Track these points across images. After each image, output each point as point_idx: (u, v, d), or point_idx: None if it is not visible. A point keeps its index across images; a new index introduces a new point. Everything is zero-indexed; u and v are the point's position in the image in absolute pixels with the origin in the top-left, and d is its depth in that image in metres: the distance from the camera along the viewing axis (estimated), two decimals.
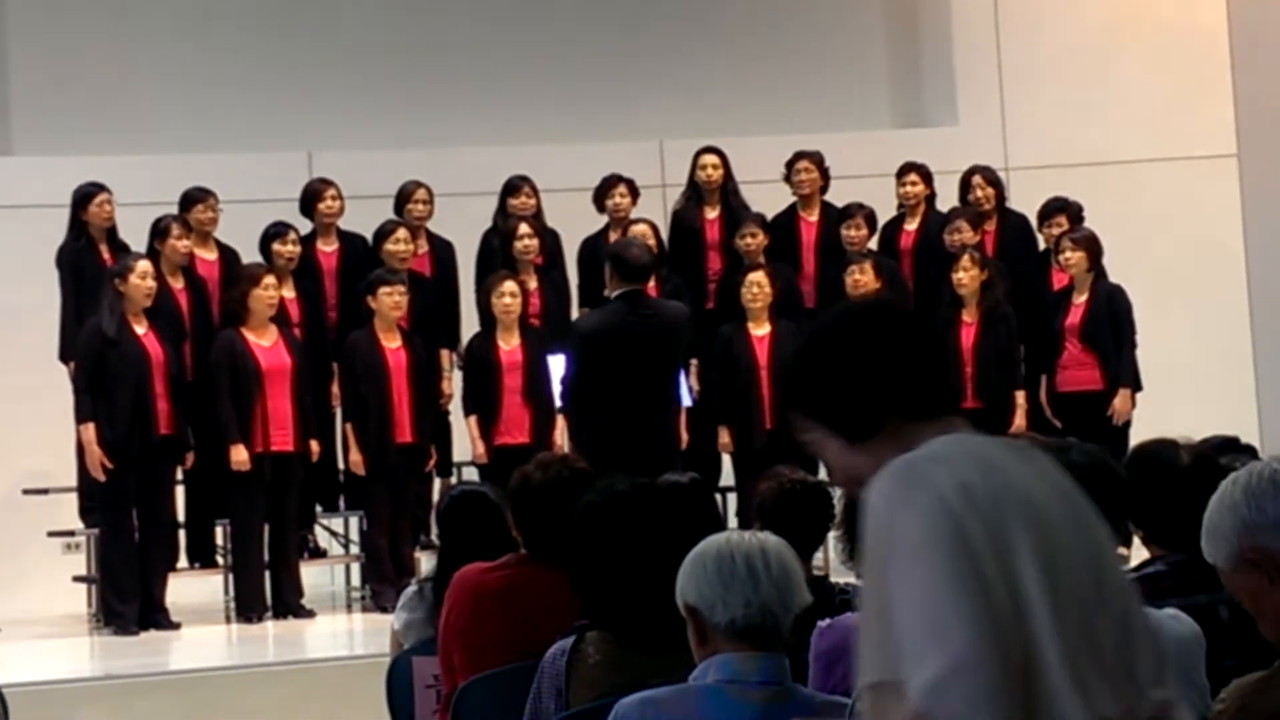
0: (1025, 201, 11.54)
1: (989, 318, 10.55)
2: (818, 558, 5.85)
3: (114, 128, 12.60)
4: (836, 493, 4.66)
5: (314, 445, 10.03)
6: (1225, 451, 4.49)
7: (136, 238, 10.32)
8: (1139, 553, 4.25)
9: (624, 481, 4.10)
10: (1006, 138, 13.15)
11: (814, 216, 11.42)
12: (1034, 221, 11.29)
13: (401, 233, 10.52)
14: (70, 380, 9.90)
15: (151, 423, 9.55)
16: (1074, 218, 11.04)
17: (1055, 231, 10.97)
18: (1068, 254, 10.60)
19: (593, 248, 11.06)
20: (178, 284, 10.14)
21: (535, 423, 10.22)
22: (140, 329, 9.62)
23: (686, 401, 10.20)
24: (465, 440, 10.46)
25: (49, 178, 11.46)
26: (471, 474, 10.44)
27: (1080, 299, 10.61)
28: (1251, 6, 13.21)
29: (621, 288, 8.66)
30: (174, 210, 10.36)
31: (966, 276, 10.54)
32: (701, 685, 3.26)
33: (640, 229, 10.76)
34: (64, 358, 10.14)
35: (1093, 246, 10.64)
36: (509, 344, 10.30)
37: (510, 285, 10.28)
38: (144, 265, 9.66)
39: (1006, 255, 11.04)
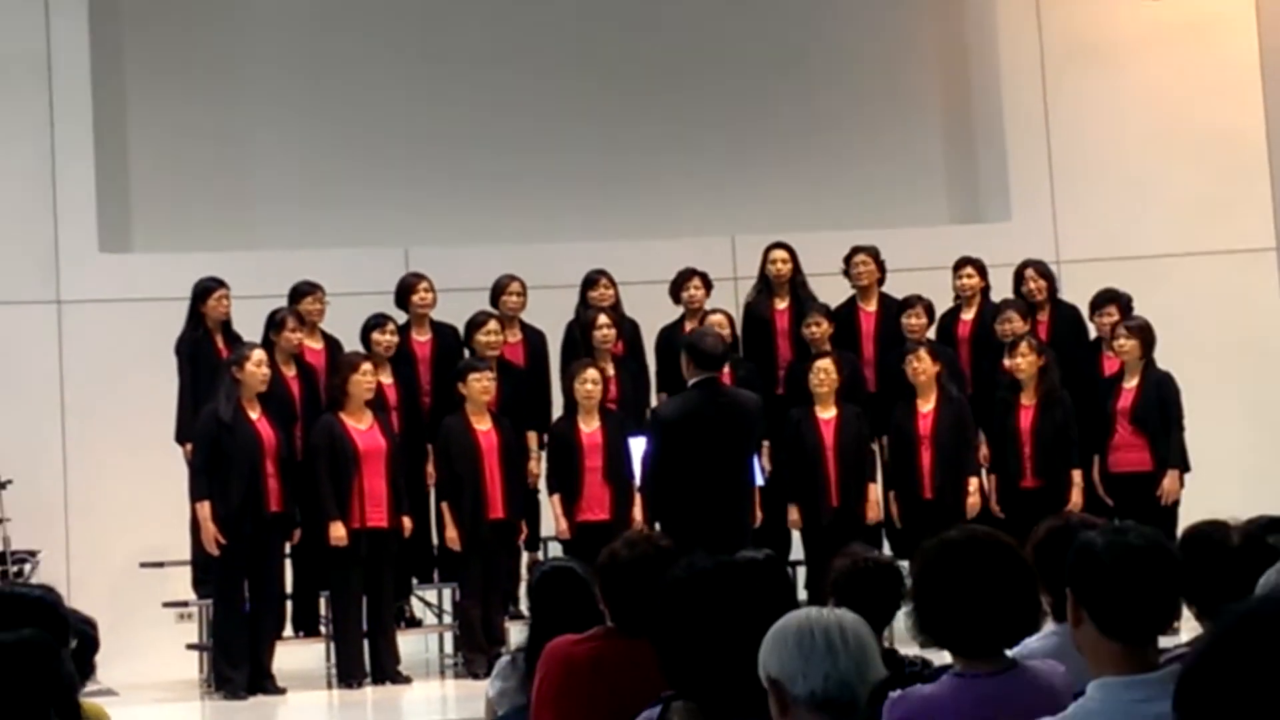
0: (1076, 293, 11.51)
1: (1046, 401, 10.53)
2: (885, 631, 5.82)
3: (225, 226, 12.76)
4: (905, 569, 4.65)
5: (406, 521, 10.07)
6: (1272, 531, 4.46)
7: (245, 328, 10.44)
8: (1189, 626, 4.23)
9: (706, 558, 4.09)
10: (1058, 232, 13.13)
11: (872, 307, 11.43)
12: (1085, 311, 11.26)
13: (492, 324, 10.59)
14: (186, 461, 10.00)
15: (263, 500, 9.64)
16: (1124, 308, 11.01)
17: (1106, 321, 10.95)
18: (1122, 341, 10.58)
19: (669, 337, 11.10)
20: (290, 371, 10.25)
21: (615, 500, 10.24)
22: (254, 413, 9.71)
23: (759, 481, 10.21)
24: (551, 516, 10.48)
25: (165, 273, 11.63)
26: (556, 549, 10.45)
27: (1131, 384, 10.58)
28: None
29: (698, 375, 8.70)
30: (280, 302, 10.48)
31: (1025, 362, 10.53)
32: None
33: (716, 319, 10.82)
34: (180, 439, 10.24)
35: (1146, 335, 10.63)
36: (590, 427, 10.33)
37: (592, 372, 10.33)
38: (259, 354, 9.78)
39: (1059, 343, 11.01)
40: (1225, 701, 1.90)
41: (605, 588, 4.83)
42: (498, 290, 10.98)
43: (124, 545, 11.43)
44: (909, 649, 5.15)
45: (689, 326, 10.91)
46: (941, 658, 4.06)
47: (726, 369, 10.46)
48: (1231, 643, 1.94)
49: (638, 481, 9.89)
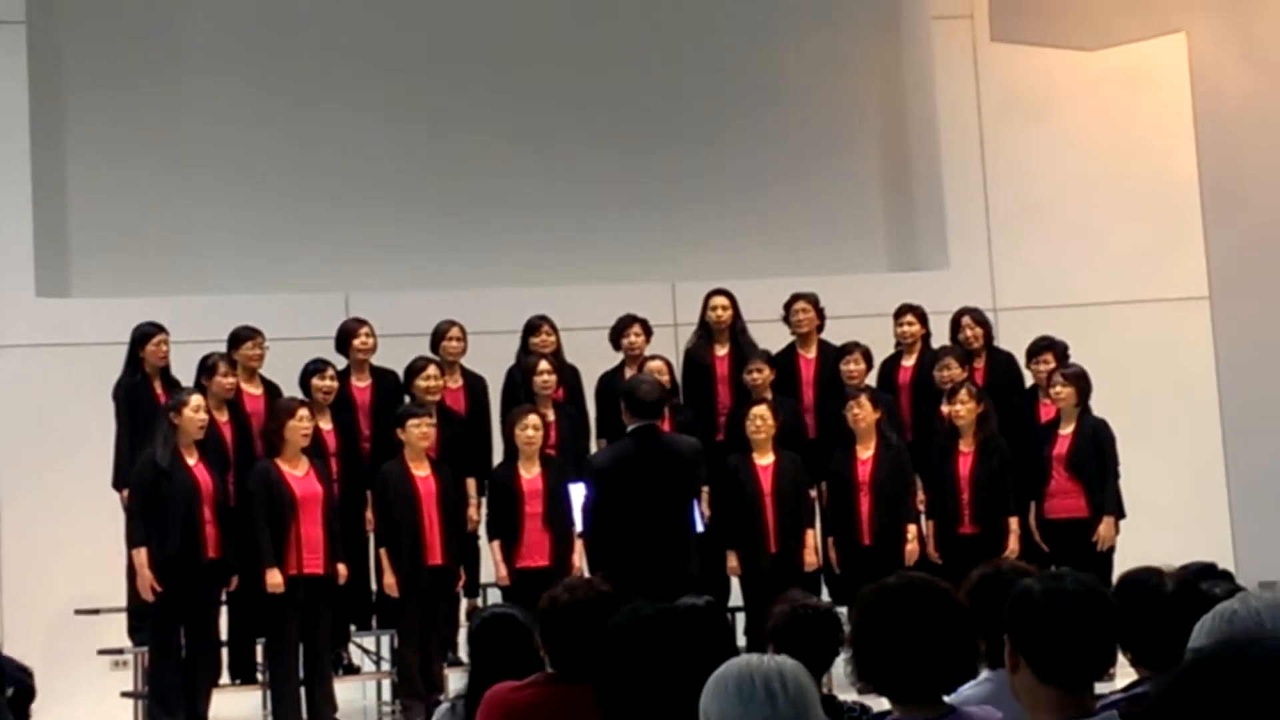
0: (1012, 340, 11.60)
1: (985, 448, 10.60)
2: (824, 678, 5.85)
3: (164, 270, 12.72)
4: (844, 615, 4.68)
5: (342, 568, 10.02)
6: (1205, 577, 4.51)
7: (184, 373, 10.39)
8: (1124, 672, 4.26)
9: (648, 606, 4.11)
10: (994, 280, 13.24)
11: (811, 354, 11.48)
12: (1021, 359, 11.35)
13: (431, 369, 10.59)
14: (123, 507, 9.93)
15: (200, 547, 9.59)
16: (1060, 355, 11.09)
17: (1043, 368, 11.03)
18: (1059, 389, 10.66)
19: (609, 383, 11.12)
20: (222, 417, 10.21)
21: (555, 547, 10.21)
22: (191, 460, 9.67)
23: (698, 528, 10.21)
24: (490, 562, 10.46)
25: (103, 317, 11.58)
26: (495, 595, 10.42)
27: (1066, 430, 10.66)
28: (1220, 161, 13.35)
29: (635, 423, 8.74)
30: (220, 347, 10.45)
31: (964, 409, 10.60)
32: None
33: (655, 365, 10.84)
34: (117, 485, 10.18)
35: (1082, 383, 10.72)
36: (530, 473, 10.32)
37: (533, 418, 10.33)
38: (197, 400, 9.74)
39: (995, 390, 11.07)
40: None
41: (545, 633, 4.83)
42: (438, 336, 10.98)
43: (58, 592, 11.34)
44: (848, 695, 5.17)
45: (629, 373, 10.94)
46: (880, 704, 4.08)
47: (665, 415, 10.53)
48: (1191, 687, 1.99)
49: (577, 528, 9.95)
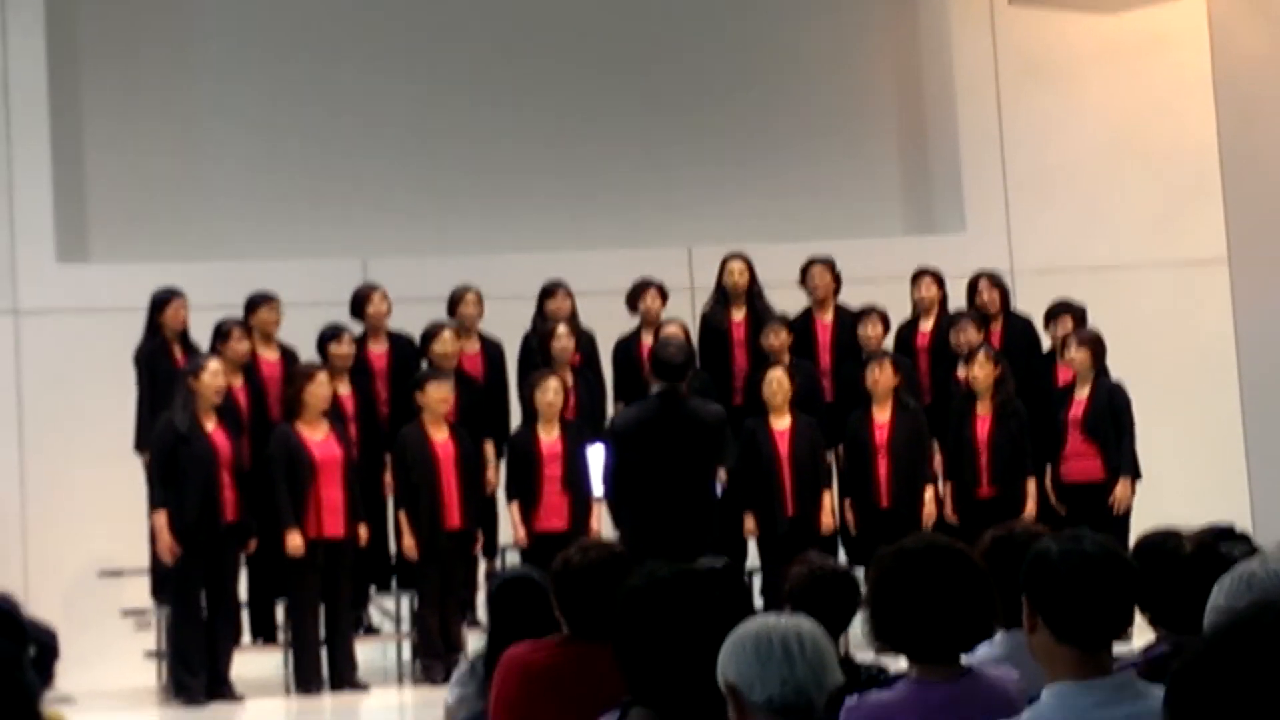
0: (1029, 303, 11.57)
1: (1002, 411, 10.59)
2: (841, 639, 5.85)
3: (182, 237, 12.72)
4: (860, 576, 4.68)
5: (362, 531, 10.07)
6: (1224, 539, 4.50)
7: (202, 338, 10.43)
8: (1143, 634, 4.26)
9: (664, 567, 4.11)
10: (1012, 244, 13.20)
11: (828, 318, 11.46)
12: (1039, 322, 11.32)
13: (447, 334, 10.59)
14: (144, 471, 9.96)
15: (218, 510, 9.63)
16: (1078, 318, 11.07)
17: (1060, 331, 11.01)
18: (1073, 352, 10.65)
19: (626, 347, 11.13)
20: (237, 382, 10.23)
21: (573, 510, 10.24)
22: (209, 424, 9.70)
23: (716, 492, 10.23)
24: (509, 525, 10.48)
25: (122, 283, 11.58)
26: (513, 557, 10.45)
27: (1082, 394, 10.64)
28: (1239, 123, 13.28)
29: (658, 385, 8.78)
30: (238, 312, 10.46)
31: (981, 373, 10.58)
32: None
33: (672, 329, 10.84)
34: (139, 448, 10.21)
35: (1097, 346, 10.70)
36: (549, 436, 10.33)
37: (554, 382, 10.33)
38: (215, 364, 9.77)
39: (1012, 354, 11.06)
40: (1217, 705, 1.94)
41: (560, 595, 4.82)
42: (454, 301, 10.98)
43: (82, 554, 11.38)
44: (866, 656, 5.17)
45: (645, 337, 10.94)
46: (898, 665, 4.09)
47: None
48: (1226, 648, 1.97)
49: (595, 492, 9.98)
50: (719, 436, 8.96)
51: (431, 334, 10.61)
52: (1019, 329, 11.40)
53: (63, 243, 12.34)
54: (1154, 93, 13.45)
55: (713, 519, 9.05)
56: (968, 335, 10.90)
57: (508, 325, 11.16)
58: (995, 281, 11.48)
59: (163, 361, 10.26)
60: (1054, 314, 11.18)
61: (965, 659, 3.94)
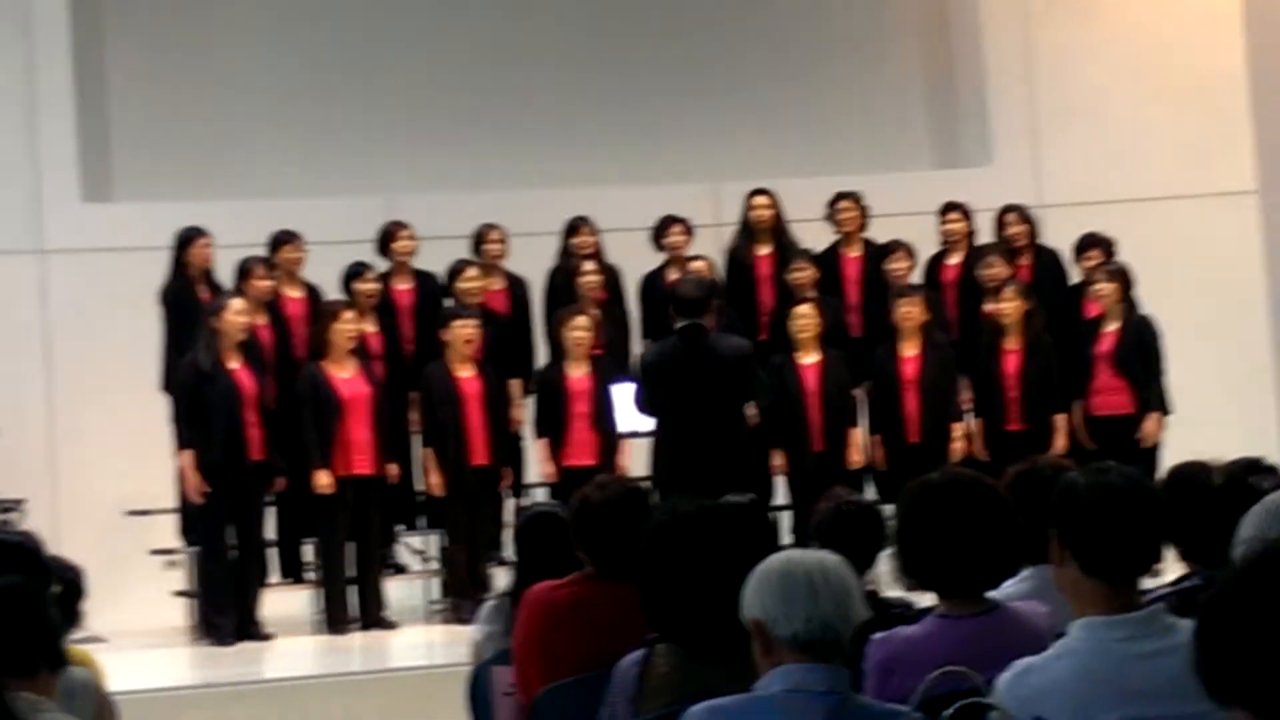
0: (1057, 237, 11.49)
1: (1031, 346, 10.54)
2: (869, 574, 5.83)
3: (206, 175, 12.71)
4: (888, 512, 4.65)
5: (391, 468, 10.07)
6: (1253, 472, 4.47)
7: (227, 277, 10.41)
8: (1172, 568, 4.23)
9: (688, 503, 4.09)
10: (1040, 177, 13.10)
11: (855, 252, 11.41)
12: (1067, 256, 11.25)
13: (472, 271, 10.56)
14: (170, 410, 9.97)
15: (244, 449, 9.63)
16: (1107, 252, 11.00)
17: (1089, 265, 10.95)
18: (1100, 285, 10.58)
19: (651, 283, 11.09)
20: (260, 320, 10.21)
21: (602, 446, 10.23)
22: (233, 363, 9.69)
23: None
24: (537, 463, 10.48)
25: (147, 222, 11.57)
26: (542, 494, 10.45)
27: (1111, 328, 10.58)
28: (1269, 51, 13.12)
29: (680, 321, 8.78)
30: (261, 251, 10.44)
31: (1010, 307, 10.52)
32: (766, 694, 3.25)
33: (698, 265, 10.81)
34: (166, 388, 10.21)
35: (1124, 278, 10.63)
36: (577, 373, 10.31)
37: (582, 319, 10.31)
38: (238, 303, 9.75)
39: (1040, 288, 10.99)
40: (1246, 636, 1.91)
41: (579, 532, 4.80)
42: (478, 239, 10.94)
43: (110, 494, 11.41)
44: (893, 592, 5.16)
45: (671, 273, 10.91)
46: (925, 601, 4.07)
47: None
48: (1254, 579, 1.95)
49: (620, 429, 10.00)
50: (744, 370, 8.95)
51: (456, 271, 10.59)
52: (1047, 263, 11.33)
53: (87, 182, 12.33)
54: (1183, 23, 13.32)
55: (744, 454, 9.06)
56: (995, 269, 10.84)
57: (533, 261, 11.13)
58: (1023, 215, 11.41)
59: (188, 300, 10.25)
60: (1082, 247, 11.11)
61: (993, 594, 3.92)
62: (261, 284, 10.16)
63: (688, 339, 8.87)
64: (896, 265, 11.02)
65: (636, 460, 10.15)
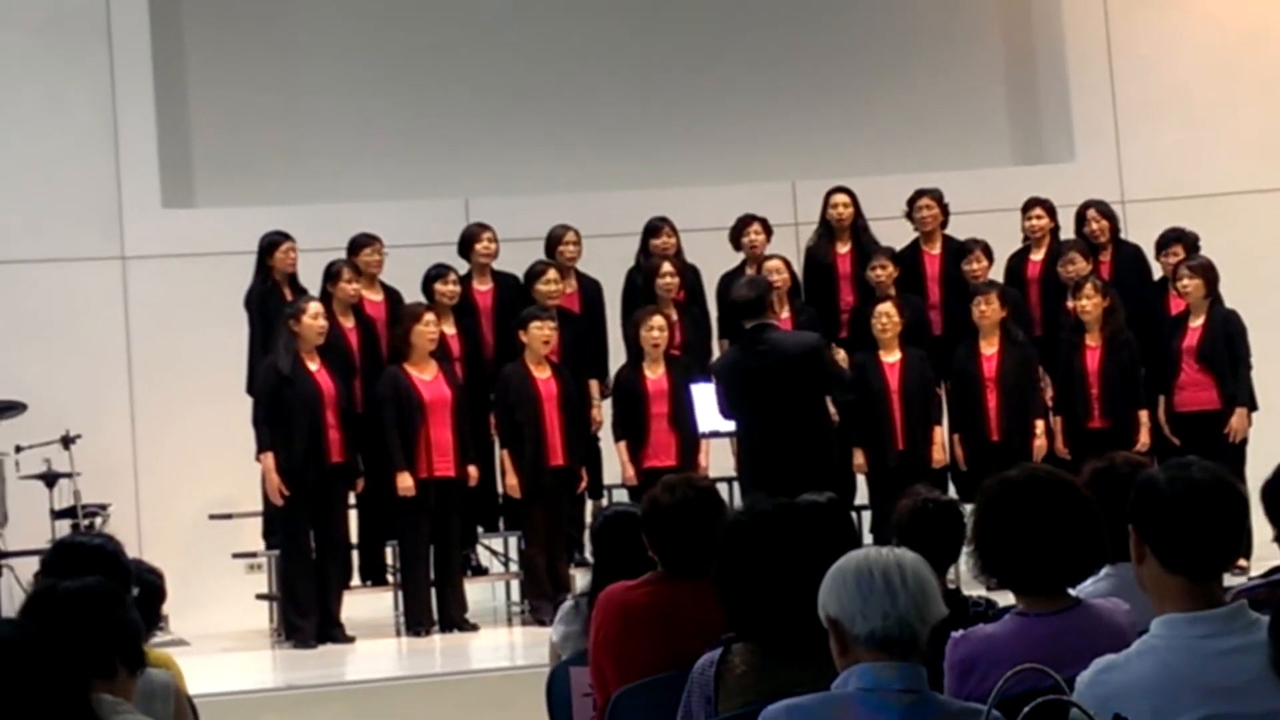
0: (1140, 233, 11.40)
1: (1112, 342, 10.46)
2: (951, 572, 5.80)
3: (286, 180, 12.78)
4: (968, 510, 4.62)
5: (472, 471, 10.10)
6: None
7: (306, 280, 10.48)
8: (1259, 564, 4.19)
9: (766, 501, 4.08)
10: (1122, 172, 13.00)
11: (936, 250, 11.36)
12: (1151, 251, 11.16)
13: (551, 273, 10.57)
14: (252, 413, 10.04)
15: (324, 452, 9.68)
16: (1190, 247, 10.90)
17: (1172, 260, 10.85)
18: (1185, 281, 10.49)
19: (729, 283, 11.07)
20: (348, 323, 10.27)
21: (681, 447, 10.24)
22: (313, 365, 9.74)
23: None
24: (615, 464, 10.49)
25: (228, 227, 11.67)
26: (621, 496, 10.46)
27: (1196, 323, 10.49)
28: None
29: (747, 324, 8.87)
30: (340, 255, 10.50)
31: (1090, 304, 10.45)
32: (843, 693, 3.24)
33: (773, 264, 10.81)
34: (251, 392, 10.28)
35: (1209, 274, 10.53)
36: (655, 374, 10.32)
37: (658, 319, 10.31)
38: (315, 306, 9.80)
39: (1122, 284, 10.91)
40: None
41: (650, 533, 4.82)
42: (553, 241, 10.95)
43: (193, 498, 11.50)
44: (974, 591, 5.13)
45: (749, 272, 10.90)
46: (1006, 600, 4.04)
47: (788, 313, 10.51)
48: None
49: (700, 429, 10.01)
50: (813, 364, 8.94)
51: (535, 274, 10.60)
52: (1129, 258, 11.24)
53: (168, 188, 12.44)
54: (1265, 15, 13.18)
55: (826, 450, 9.05)
56: (1075, 265, 10.77)
57: (611, 263, 11.14)
58: (1104, 211, 11.32)
59: (273, 304, 10.31)
60: (1166, 242, 11.01)
61: (1074, 591, 3.89)
62: (349, 287, 10.22)
63: (752, 341, 8.94)
64: (974, 266, 10.96)
65: (718, 460, 10.16)
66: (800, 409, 8.87)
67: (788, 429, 8.81)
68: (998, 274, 11.17)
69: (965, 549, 4.83)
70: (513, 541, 10.91)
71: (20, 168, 12.06)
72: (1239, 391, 10.39)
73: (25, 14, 12.23)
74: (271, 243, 10.52)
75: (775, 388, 8.79)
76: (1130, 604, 3.81)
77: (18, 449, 10.71)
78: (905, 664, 3.21)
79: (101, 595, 3.62)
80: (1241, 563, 4.99)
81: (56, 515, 10.77)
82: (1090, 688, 3.16)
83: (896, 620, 3.21)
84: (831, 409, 10.38)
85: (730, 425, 9.46)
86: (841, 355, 10.24)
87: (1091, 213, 11.26)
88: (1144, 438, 10.35)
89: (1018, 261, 11.38)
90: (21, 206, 12.03)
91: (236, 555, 11.00)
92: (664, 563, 4.78)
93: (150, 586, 4.85)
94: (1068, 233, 11.32)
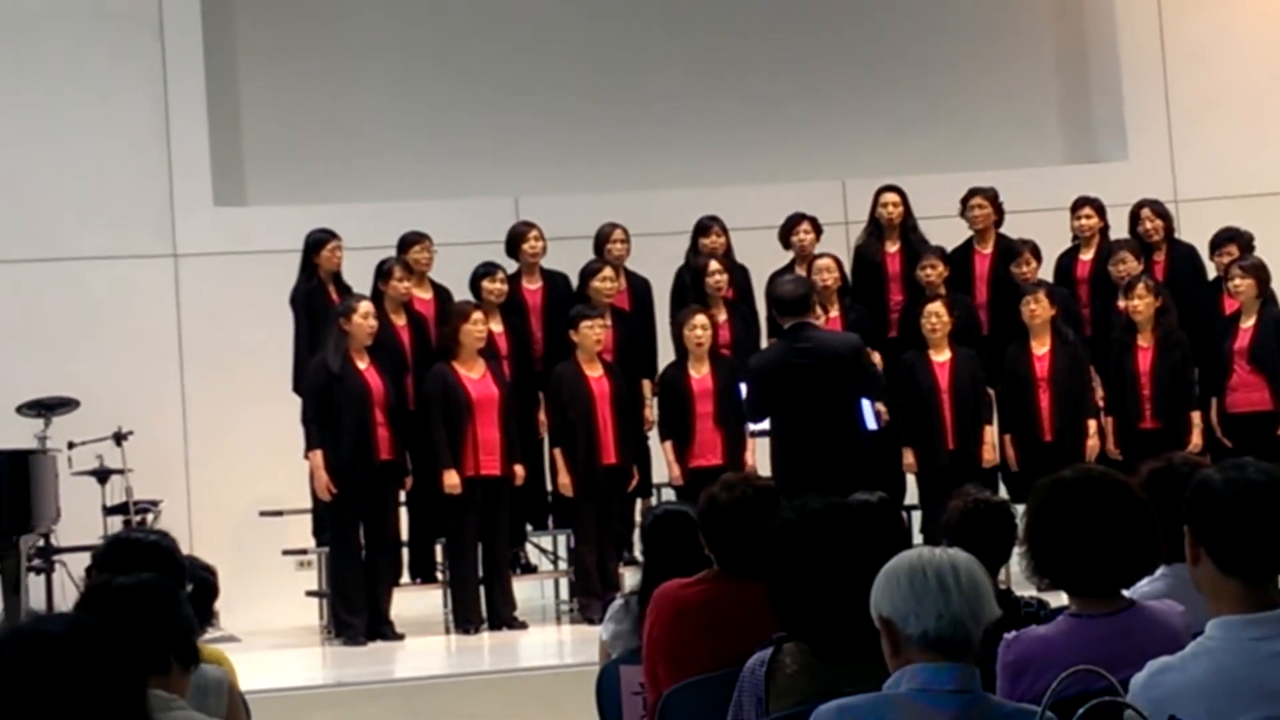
0: (1193, 232, 11.35)
1: (1164, 342, 10.41)
2: (1001, 573, 5.79)
3: (337, 178, 12.84)
4: (1019, 511, 4.61)
5: (519, 469, 10.11)
6: None
7: (357, 278, 10.50)
8: None
9: (817, 500, 4.08)
10: (1175, 171, 12.93)
11: (988, 249, 11.32)
12: (1204, 251, 11.10)
13: (607, 270, 10.58)
14: (300, 411, 10.08)
15: (373, 449, 9.71)
16: (1244, 246, 10.84)
17: (1225, 260, 10.79)
18: (1237, 281, 10.44)
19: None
20: (400, 321, 10.31)
21: (727, 445, 10.23)
22: (362, 364, 9.78)
23: (874, 426, 10.17)
24: (663, 463, 10.49)
25: (279, 225, 11.73)
26: (669, 495, 10.46)
27: (1248, 323, 10.43)
28: None
29: (786, 322, 8.83)
30: (390, 253, 10.53)
31: (1142, 304, 10.40)
32: (895, 693, 3.23)
33: (823, 262, 10.80)
34: (297, 389, 10.33)
35: (1261, 274, 10.48)
36: (700, 373, 10.31)
37: (701, 318, 10.31)
38: (365, 305, 9.84)
39: (1175, 284, 10.86)
40: None
41: (707, 532, 4.81)
42: (601, 239, 10.95)
43: (244, 494, 11.57)
44: (1026, 591, 5.11)
45: (799, 271, 10.89)
46: (1058, 600, 4.02)
47: (836, 312, 10.48)
48: None
49: (749, 428, 10.01)
50: (853, 366, 8.91)
51: (591, 272, 10.60)
52: (1183, 258, 11.19)
53: (219, 186, 12.51)
54: None
55: (862, 451, 9.03)
56: (1127, 265, 10.72)
57: (661, 261, 11.14)
58: (1158, 210, 11.26)
59: (319, 303, 10.36)
60: (1219, 242, 10.96)
61: (1128, 593, 3.87)
62: (400, 285, 10.25)
63: (792, 339, 8.92)
64: (1023, 268, 10.91)
65: (764, 459, 10.15)
66: (838, 409, 8.86)
67: (824, 429, 8.79)
68: (1047, 274, 11.12)
69: (1017, 550, 4.82)
70: (562, 539, 10.93)
71: (73, 165, 12.16)
72: None
73: (77, 11, 12.34)
74: (317, 240, 10.56)
75: (815, 386, 8.77)
76: (1186, 605, 3.79)
77: (70, 445, 10.78)
78: (958, 665, 3.20)
79: (157, 591, 3.63)
80: None
81: (108, 511, 10.86)
82: (1145, 690, 3.14)
83: (950, 621, 3.20)
84: (882, 409, 10.37)
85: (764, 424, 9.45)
86: (876, 358, 10.25)
87: (1146, 212, 11.21)
88: (1196, 439, 10.29)
89: (1067, 261, 11.34)
90: (74, 204, 12.12)
91: (286, 552, 11.06)
92: (719, 561, 4.78)
93: (204, 583, 4.88)
94: (1119, 232, 11.27)
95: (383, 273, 10.28)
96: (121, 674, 2.76)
